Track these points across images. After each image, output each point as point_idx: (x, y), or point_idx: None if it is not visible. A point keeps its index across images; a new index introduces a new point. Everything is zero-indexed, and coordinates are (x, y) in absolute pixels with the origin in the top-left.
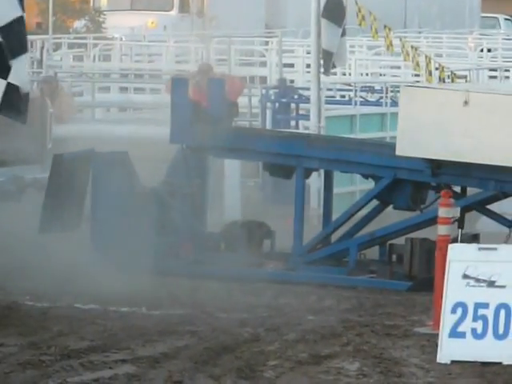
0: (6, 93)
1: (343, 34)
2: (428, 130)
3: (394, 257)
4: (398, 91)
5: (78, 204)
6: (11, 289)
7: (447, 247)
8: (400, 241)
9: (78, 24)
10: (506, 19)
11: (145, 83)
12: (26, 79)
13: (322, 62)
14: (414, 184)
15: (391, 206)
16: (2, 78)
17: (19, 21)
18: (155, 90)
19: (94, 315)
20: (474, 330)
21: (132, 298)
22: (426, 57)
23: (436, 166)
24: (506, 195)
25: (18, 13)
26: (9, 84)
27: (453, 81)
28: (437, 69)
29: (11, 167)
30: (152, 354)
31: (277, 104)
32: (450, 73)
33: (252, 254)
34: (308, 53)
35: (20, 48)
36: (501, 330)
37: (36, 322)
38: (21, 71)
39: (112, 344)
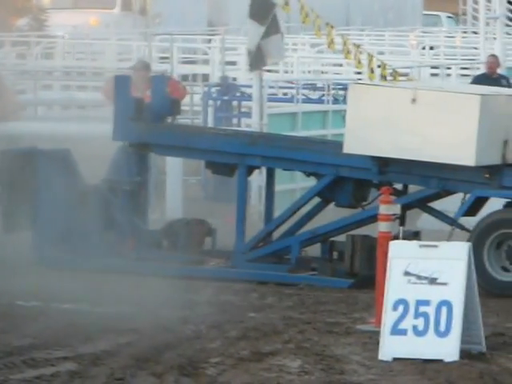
0: None
1: (273, 33)
2: (376, 128)
3: (336, 254)
4: (340, 89)
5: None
6: None
7: (388, 244)
8: (342, 238)
9: (21, 22)
10: (448, 17)
11: (87, 81)
12: None
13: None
14: (356, 182)
15: (333, 204)
16: None
17: None
18: (98, 87)
19: (36, 312)
20: (415, 328)
21: (74, 296)
22: (368, 54)
23: (383, 163)
24: (448, 193)
25: None
26: None
27: (395, 78)
28: (379, 66)
29: None
30: (94, 351)
31: (219, 102)
32: (391, 70)
33: (193, 251)
34: None
35: None
36: (442, 328)
37: None
38: None
39: (54, 341)
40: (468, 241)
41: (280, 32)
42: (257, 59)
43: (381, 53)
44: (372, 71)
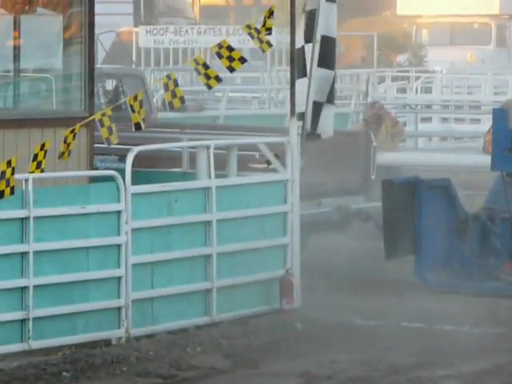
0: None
1: None
2: None
3: None
4: None
5: (412, 228)
6: (340, 308)
7: None
8: None
9: (401, 58)
10: None
11: (465, 114)
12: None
13: None
14: None
15: None
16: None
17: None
18: (475, 120)
19: (419, 333)
20: None
21: (455, 317)
22: None
23: None
24: None
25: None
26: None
27: None
28: None
29: (336, 197)
30: (474, 370)
31: None
32: None
33: None
34: None
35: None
36: None
37: (365, 340)
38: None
39: (437, 360)
40: None
41: None
42: None
43: None
44: None
